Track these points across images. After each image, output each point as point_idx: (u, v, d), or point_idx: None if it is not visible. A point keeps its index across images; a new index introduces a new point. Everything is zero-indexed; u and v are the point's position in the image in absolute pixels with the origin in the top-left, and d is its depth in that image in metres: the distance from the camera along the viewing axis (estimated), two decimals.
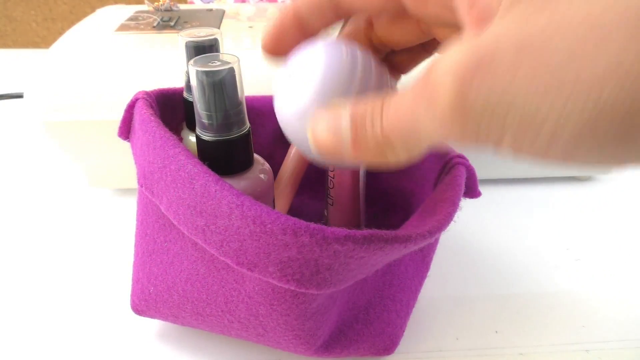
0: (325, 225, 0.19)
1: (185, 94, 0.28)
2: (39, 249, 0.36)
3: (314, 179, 0.32)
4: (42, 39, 0.84)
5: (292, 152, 0.29)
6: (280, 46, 0.22)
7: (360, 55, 0.20)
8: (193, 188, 0.20)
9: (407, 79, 0.24)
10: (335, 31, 0.24)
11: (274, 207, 0.27)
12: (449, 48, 0.14)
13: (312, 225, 0.18)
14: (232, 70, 0.21)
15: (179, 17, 0.46)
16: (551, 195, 0.42)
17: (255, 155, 0.25)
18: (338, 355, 0.25)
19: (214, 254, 0.21)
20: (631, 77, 0.11)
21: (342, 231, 0.18)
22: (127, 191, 0.42)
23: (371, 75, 0.20)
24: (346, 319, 0.26)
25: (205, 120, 0.22)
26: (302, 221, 0.18)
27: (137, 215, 0.26)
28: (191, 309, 0.24)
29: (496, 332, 0.29)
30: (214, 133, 0.22)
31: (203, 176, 0.20)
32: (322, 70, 0.19)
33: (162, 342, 0.28)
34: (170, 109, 0.28)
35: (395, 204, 0.32)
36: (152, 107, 0.25)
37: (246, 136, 0.23)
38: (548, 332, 0.29)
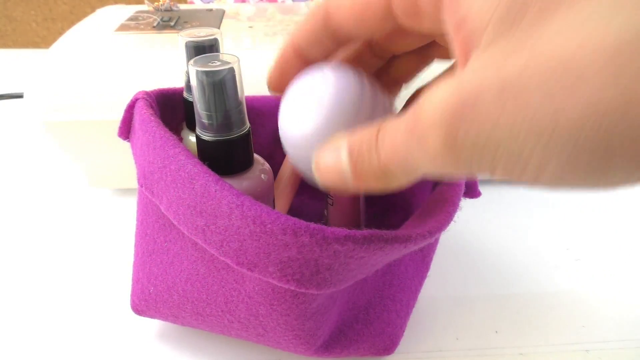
0: (325, 225, 0.19)
1: (185, 94, 0.28)
2: (39, 249, 0.36)
3: None
4: (42, 39, 0.84)
5: None
6: (285, 81, 0.22)
7: (366, 81, 0.21)
8: (193, 188, 0.20)
9: (407, 93, 0.24)
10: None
11: (274, 207, 0.27)
12: (436, 85, 0.14)
13: (312, 225, 0.18)
14: (232, 70, 0.21)
15: (179, 17, 0.46)
16: (551, 195, 0.43)
17: (255, 155, 0.25)
18: (338, 355, 0.25)
19: (214, 254, 0.21)
20: (608, 118, 0.11)
21: (342, 231, 0.18)
22: (127, 191, 0.42)
23: (376, 100, 0.21)
24: (346, 319, 0.26)
25: (205, 120, 0.22)
26: (302, 221, 0.18)
27: (137, 215, 0.26)
28: (191, 309, 0.24)
29: (496, 332, 0.29)
30: (214, 133, 0.22)
31: (203, 176, 0.20)
32: (331, 97, 0.20)
33: (162, 342, 0.28)
34: (170, 109, 0.28)
35: (395, 204, 0.32)
36: (152, 107, 0.25)
37: (246, 136, 0.23)
38: (548, 332, 0.29)
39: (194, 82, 0.21)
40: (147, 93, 0.26)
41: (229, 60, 0.21)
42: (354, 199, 0.28)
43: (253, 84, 0.29)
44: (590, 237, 0.37)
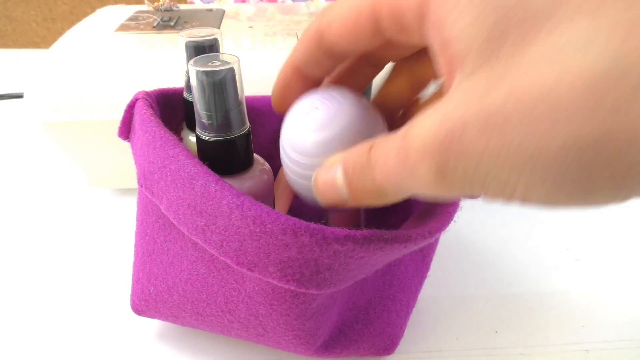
0: (325, 225, 0.19)
1: (185, 94, 0.28)
2: (39, 249, 0.36)
3: None
4: (42, 39, 0.84)
5: None
6: (288, 101, 0.23)
7: (365, 103, 0.21)
8: (193, 188, 0.20)
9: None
10: None
11: (274, 207, 0.27)
12: (424, 111, 0.15)
13: (312, 225, 0.18)
14: (232, 70, 0.21)
15: (179, 17, 0.46)
16: None
17: (255, 155, 0.25)
18: (338, 355, 0.25)
19: (214, 254, 0.21)
20: (587, 152, 0.12)
21: (342, 231, 0.18)
22: (127, 191, 0.42)
23: (375, 122, 0.21)
24: (346, 319, 0.26)
25: (205, 120, 0.22)
26: (302, 221, 0.18)
27: (137, 215, 0.26)
28: (191, 309, 0.24)
29: (496, 332, 0.29)
30: (214, 133, 0.22)
31: (203, 176, 0.20)
32: (331, 119, 0.20)
33: (162, 342, 0.28)
34: (170, 109, 0.28)
35: (395, 204, 0.32)
36: (152, 107, 0.25)
37: (246, 136, 0.23)
38: (548, 332, 0.29)
39: (194, 82, 0.21)
40: (147, 93, 0.26)
41: (229, 60, 0.21)
42: None
43: (253, 84, 0.29)
44: (590, 237, 0.37)
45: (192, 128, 0.29)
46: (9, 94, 0.55)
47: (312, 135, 0.20)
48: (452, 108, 0.14)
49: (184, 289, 0.24)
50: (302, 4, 0.53)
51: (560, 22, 0.13)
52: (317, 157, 0.20)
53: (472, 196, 0.15)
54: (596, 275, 0.34)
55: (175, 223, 0.21)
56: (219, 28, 0.42)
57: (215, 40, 0.26)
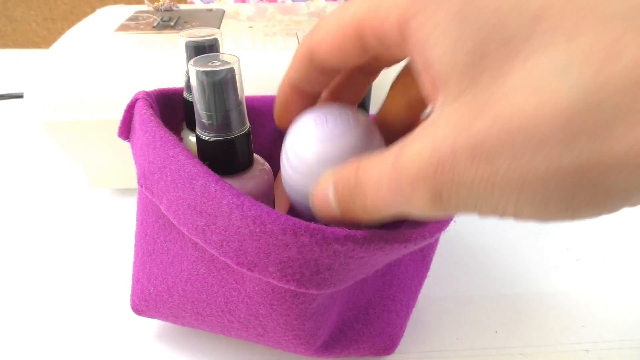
0: (325, 225, 0.19)
1: (185, 94, 0.28)
2: (39, 249, 0.36)
3: None
4: (42, 39, 0.84)
5: None
6: (289, 117, 0.23)
7: (362, 119, 0.21)
8: (193, 188, 0.20)
9: None
10: None
11: (274, 207, 0.27)
12: (413, 137, 0.15)
13: (312, 225, 0.18)
14: (232, 70, 0.21)
15: (179, 17, 0.46)
16: None
17: (255, 155, 0.25)
18: (338, 355, 0.25)
19: (214, 254, 0.21)
20: (570, 178, 0.12)
21: (342, 231, 0.18)
22: (127, 191, 0.42)
23: (373, 139, 0.21)
24: (346, 319, 0.26)
25: (205, 120, 0.22)
26: (302, 221, 0.18)
27: (137, 215, 0.26)
28: (191, 309, 0.24)
29: (496, 332, 0.29)
30: (214, 133, 0.22)
31: (203, 176, 0.20)
32: (331, 137, 0.20)
33: (162, 342, 0.28)
34: (170, 109, 0.28)
35: None
36: (152, 107, 0.25)
37: (246, 136, 0.23)
38: (548, 332, 0.29)
39: (194, 82, 0.21)
40: (147, 93, 0.26)
41: (229, 60, 0.21)
42: None
43: (253, 84, 0.29)
44: (590, 237, 0.37)
45: (192, 128, 0.29)
46: (9, 94, 0.55)
47: (318, 145, 0.21)
48: (440, 136, 0.14)
49: (184, 289, 0.24)
50: (302, 4, 0.53)
51: (537, 47, 0.13)
52: (319, 168, 0.20)
53: (468, 214, 0.15)
54: (596, 275, 0.34)
55: (175, 223, 0.21)
56: (219, 28, 0.42)
57: (215, 40, 0.26)
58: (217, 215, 0.19)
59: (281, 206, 0.29)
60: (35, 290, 0.32)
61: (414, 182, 0.15)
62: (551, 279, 0.33)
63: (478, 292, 0.32)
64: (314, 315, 0.22)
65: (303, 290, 0.19)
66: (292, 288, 0.19)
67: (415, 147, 0.15)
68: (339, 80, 0.23)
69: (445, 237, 0.36)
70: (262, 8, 0.51)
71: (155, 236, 0.25)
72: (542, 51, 0.13)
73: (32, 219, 0.39)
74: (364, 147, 0.21)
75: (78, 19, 0.49)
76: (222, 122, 0.22)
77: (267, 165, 0.26)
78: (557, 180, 0.13)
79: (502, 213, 0.14)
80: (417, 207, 0.15)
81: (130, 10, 0.48)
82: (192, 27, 0.43)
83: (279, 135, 0.23)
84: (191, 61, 0.21)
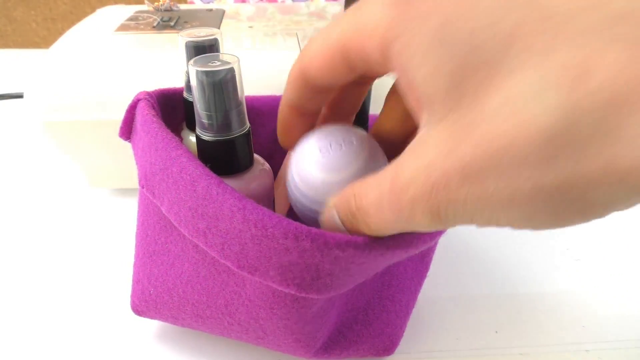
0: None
1: (185, 94, 0.28)
2: (39, 249, 0.36)
3: None
4: (42, 39, 0.84)
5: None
6: (292, 137, 0.23)
7: (366, 139, 0.22)
8: (195, 190, 0.20)
9: None
10: None
11: (274, 206, 0.27)
12: (404, 159, 0.16)
13: (314, 230, 0.18)
14: (232, 70, 0.21)
15: (179, 17, 0.46)
16: None
17: (255, 155, 0.25)
18: (338, 357, 0.25)
19: (215, 257, 0.21)
20: (553, 196, 0.13)
21: (344, 237, 0.18)
22: (127, 191, 0.42)
23: (378, 161, 0.22)
24: (345, 320, 0.25)
25: (205, 120, 0.22)
26: (303, 226, 0.18)
27: (138, 215, 0.26)
28: (191, 310, 0.24)
29: (496, 332, 0.29)
30: (214, 133, 0.22)
31: (205, 179, 0.20)
32: (336, 157, 0.21)
33: (161, 343, 0.28)
34: (170, 109, 0.28)
35: None
36: (154, 108, 0.25)
37: (246, 136, 0.23)
38: (548, 332, 0.29)
39: (194, 82, 0.21)
40: (148, 93, 0.26)
41: (229, 60, 0.21)
42: None
43: (253, 84, 0.29)
44: (590, 237, 0.37)
45: (192, 128, 0.29)
46: (9, 94, 0.55)
47: (324, 173, 0.21)
48: (431, 158, 0.15)
49: (184, 291, 0.24)
50: (302, 4, 0.53)
51: (513, 67, 0.13)
52: (325, 195, 0.20)
53: (467, 225, 0.16)
54: (596, 275, 0.34)
55: (177, 225, 0.21)
56: (219, 28, 0.42)
57: (215, 40, 0.26)
58: (219, 218, 0.19)
59: (281, 206, 0.29)
60: (35, 291, 0.32)
61: (413, 203, 0.16)
62: (551, 279, 0.33)
63: (478, 292, 0.32)
64: (313, 319, 0.22)
65: (303, 294, 0.19)
66: (293, 292, 0.19)
67: (410, 168, 0.16)
68: (335, 95, 0.24)
69: (445, 237, 0.36)
70: (262, 8, 0.51)
71: (156, 237, 0.25)
72: (518, 72, 0.13)
73: (32, 219, 0.39)
74: (369, 172, 0.21)
75: (78, 19, 0.49)
76: (222, 122, 0.22)
77: (267, 165, 0.26)
78: (543, 197, 0.13)
79: (496, 224, 0.15)
80: (419, 225, 0.16)
81: (130, 10, 0.48)
82: (192, 27, 0.43)
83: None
84: (191, 61, 0.21)
